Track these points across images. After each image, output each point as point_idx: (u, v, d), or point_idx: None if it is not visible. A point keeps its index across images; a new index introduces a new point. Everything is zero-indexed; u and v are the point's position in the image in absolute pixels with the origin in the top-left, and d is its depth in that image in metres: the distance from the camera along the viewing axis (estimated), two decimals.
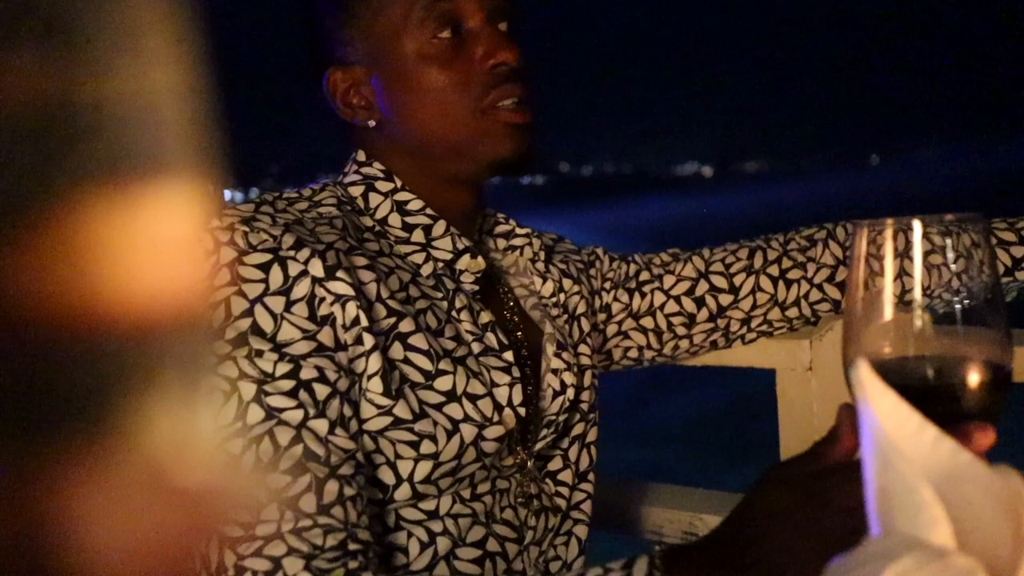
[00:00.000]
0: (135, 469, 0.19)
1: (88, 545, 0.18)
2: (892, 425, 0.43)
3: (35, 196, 0.17)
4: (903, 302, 0.59)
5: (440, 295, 0.94)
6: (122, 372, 0.18)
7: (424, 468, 0.87)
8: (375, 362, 0.85)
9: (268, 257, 0.82)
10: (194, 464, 0.20)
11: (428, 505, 0.89)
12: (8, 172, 0.17)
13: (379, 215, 0.96)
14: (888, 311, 0.60)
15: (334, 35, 0.97)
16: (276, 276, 0.82)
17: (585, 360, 1.08)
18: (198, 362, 0.20)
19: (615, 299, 1.17)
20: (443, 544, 0.89)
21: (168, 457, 0.19)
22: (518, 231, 1.08)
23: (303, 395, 0.79)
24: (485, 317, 0.96)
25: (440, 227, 0.97)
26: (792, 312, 1.15)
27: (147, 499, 0.19)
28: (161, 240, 0.19)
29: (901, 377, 0.59)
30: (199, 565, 0.76)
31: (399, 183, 0.97)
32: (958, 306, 0.59)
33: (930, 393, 0.59)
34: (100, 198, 0.18)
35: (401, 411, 0.86)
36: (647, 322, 1.16)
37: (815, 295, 1.14)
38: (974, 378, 0.59)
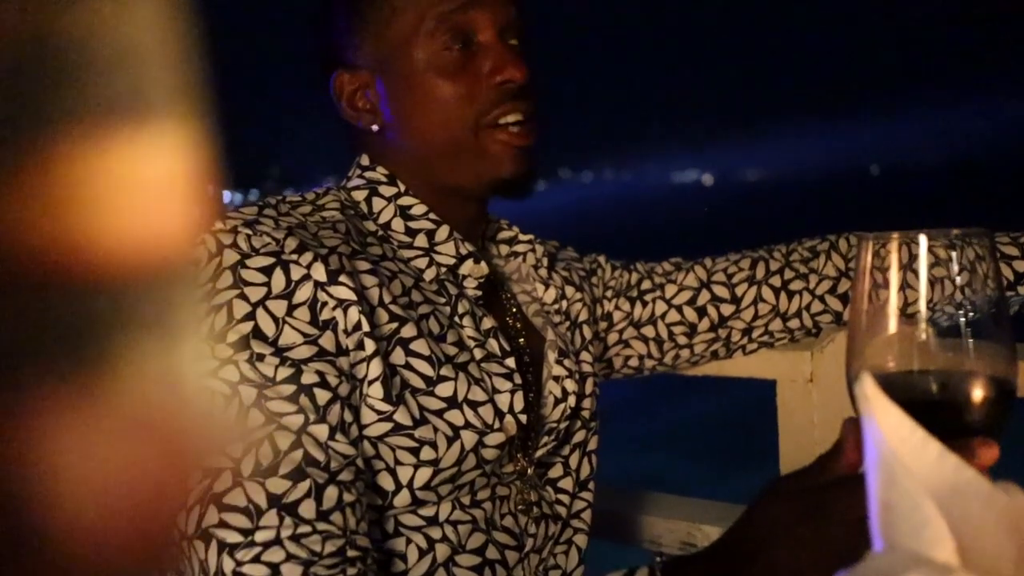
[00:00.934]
0: (118, 407, 0.19)
1: (70, 478, 0.18)
2: (896, 440, 0.43)
3: (17, 135, 0.17)
4: (907, 315, 0.59)
5: (443, 300, 0.94)
6: (105, 314, 0.18)
7: (424, 474, 0.87)
8: (376, 367, 0.84)
9: (271, 261, 0.82)
10: (176, 404, 0.20)
11: (427, 511, 0.89)
12: None
13: (382, 220, 0.96)
14: (892, 324, 0.60)
15: (344, 38, 0.97)
16: (279, 280, 0.82)
17: (587, 367, 1.07)
18: (183, 304, 0.20)
19: (616, 307, 1.17)
20: (442, 551, 0.89)
21: (151, 396, 0.19)
22: (521, 237, 1.09)
23: (304, 400, 0.79)
24: (487, 323, 0.96)
25: (443, 232, 0.97)
26: (794, 323, 1.15)
27: (129, 436, 0.19)
28: (147, 183, 0.19)
29: (905, 391, 0.58)
30: (197, 569, 0.75)
31: (402, 188, 0.97)
32: (962, 319, 0.59)
33: (934, 407, 0.59)
34: (85, 139, 0.18)
35: (401, 417, 0.85)
36: (648, 331, 1.16)
37: (817, 306, 1.14)
38: (978, 393, 0.59)
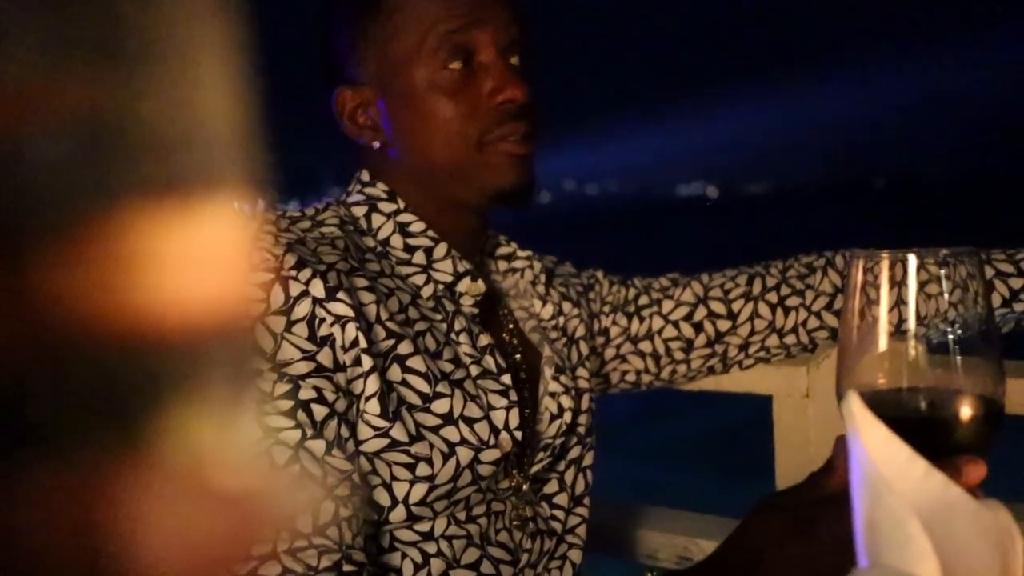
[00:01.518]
0: (182, 475, 0.19)
1: (136, 547, 0.18)
2: (882, 458, 0.44)
3: (89, 210, 0.18)
4: (898, 332, 0.60)
5: (440, 317, 0.95)
6: (169, 382, 0.19)
7: (420, 490, 0.87)
8: (373, 384, 0.85)
9: (270, 277, 0.83)
10: (237, 472, 0.20)
11: (423, 527, 0.89)
12: (62, 187, 0.18)
13: (381, 236, 0.97)
14: (883, 341, 0.60)
15: (347, 54, 0.98)
16: (277, 296, 0.82)
17: (583, 383, 1.08)
18: (242, 374, 0.21)
19: (614, 323, 1.17)
20: (437, 566, 0.89)
21: (214, 465, 0.20)
22: (519, 254, 1.09)
23: (301, 415, 0.80)
24: (484, 340, 0.96)
25: (441, 249, 0.97)
26: (790, 339, 1.15)
27: (192, 504, 0.19)
28: (209, 255, 0.20)
29: (894, 408, 0.59)
30: None
31: (402, 204, 0.98)
32: (951, 337, 0.60)
33: (923, 425, 0.59)
34: (152, 213, 0.19)
35: (398, 433, 0.86)
36: (645, 346, 1.17)
37: (813, 322, 1.14)
38: (966, 411, 0.59)
